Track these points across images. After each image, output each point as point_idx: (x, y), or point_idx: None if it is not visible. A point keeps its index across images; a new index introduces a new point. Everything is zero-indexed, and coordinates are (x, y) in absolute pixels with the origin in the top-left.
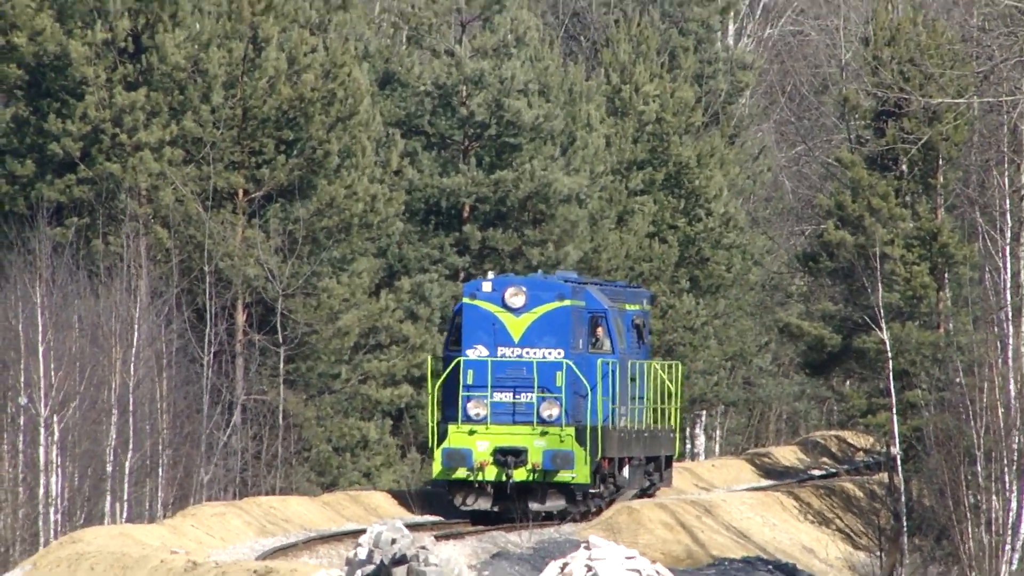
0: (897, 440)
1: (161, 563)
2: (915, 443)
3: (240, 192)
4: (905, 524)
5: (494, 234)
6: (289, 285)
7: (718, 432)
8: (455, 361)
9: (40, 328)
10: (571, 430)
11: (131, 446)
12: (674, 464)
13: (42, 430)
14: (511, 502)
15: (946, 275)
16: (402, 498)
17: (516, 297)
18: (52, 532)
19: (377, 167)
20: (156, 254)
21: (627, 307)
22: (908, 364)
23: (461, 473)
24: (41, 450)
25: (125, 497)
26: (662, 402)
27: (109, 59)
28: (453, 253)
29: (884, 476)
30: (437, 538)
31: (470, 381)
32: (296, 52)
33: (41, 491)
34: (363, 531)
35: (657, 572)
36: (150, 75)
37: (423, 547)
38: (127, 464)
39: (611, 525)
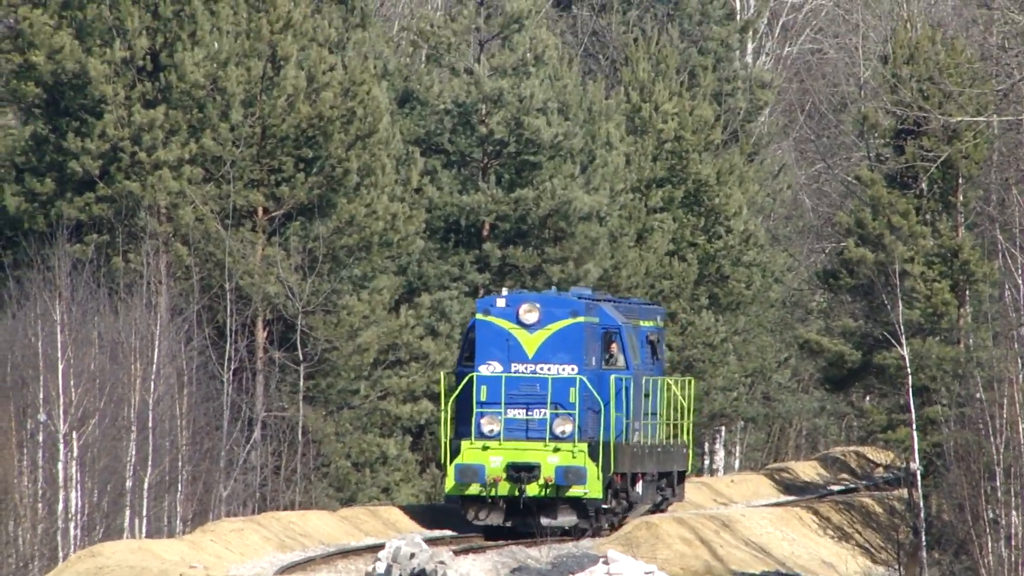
0: (917, 455)
1: None
2: (935, 458)
3: (260, 210)
4: (924, 539)
5: (514, 252)
6: (309, 302)
7: (738, 447)
8: (468, 377)
9: (60, 345)
10: (584, 446)
11: (150, 462)
12: (692, 479)
13: (61, 446)
14: (524, 517)
15: (966, 292)
16: (415, 513)
17: (530, 313)
18: (71, 547)
19: (397, 185)
20: (176, 271)
21: (641, 323)
22: (928, 380)
23: (474, 489)
24: (60, 466)
25: (144, 512)
26: (676, 418)
27: (128, 77)
28: (473, 270)
29: (904, 491)
30: (456, 553)
31: (484, 397)
32: (315, 70)
33: (60, 507)
34: (382, 546)
35: None
36: (169, 93)
37: (442, 562)
38: (146, 480)
39: (630, 540)
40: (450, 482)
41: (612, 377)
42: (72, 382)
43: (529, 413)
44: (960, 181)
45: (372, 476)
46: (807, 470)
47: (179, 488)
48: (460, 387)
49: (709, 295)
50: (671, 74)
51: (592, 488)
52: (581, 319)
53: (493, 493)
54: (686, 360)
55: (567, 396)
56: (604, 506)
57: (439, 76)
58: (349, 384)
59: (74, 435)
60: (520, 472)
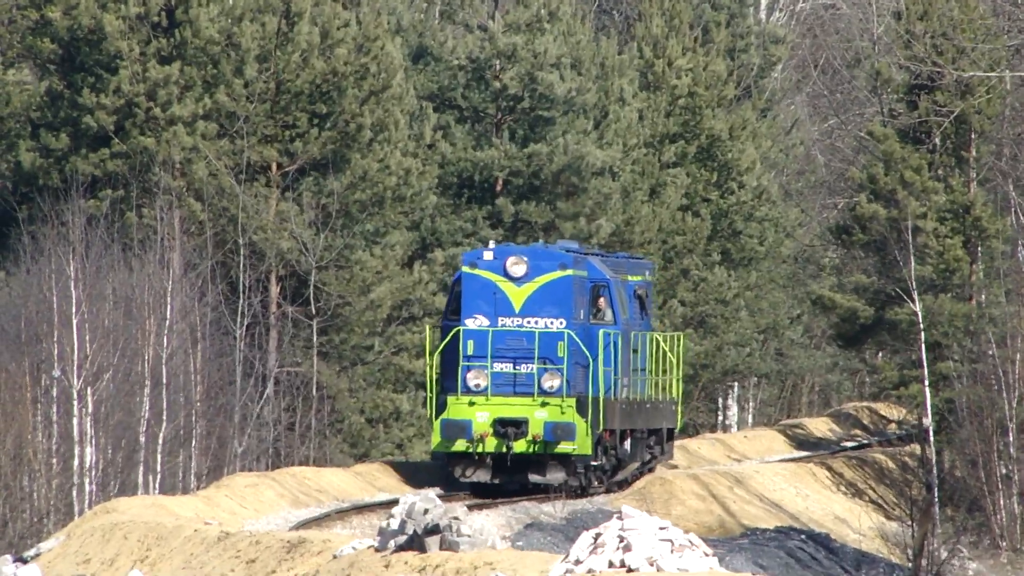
0: (929, 412)
1: (195, 533)
2: (947, 415)
3: (273, 166)
4: (937, 495)
5: (527, 207)
6: (322, 258)
7: (751, 403)
8: (454, 330)
9: (74, 301)
10: (572, 401)
11: (164, 418)
12: (706, 435)
13: (75, 402)
14: (511, 474)
15: (979, 248)
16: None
17: (517, 266)
18: (86, 503)
19: (410, 140)
20: (190, 227)
21: (629, 278)
22: (940, 336)
23: (460, 445)
24: (75, 422)
25: (158, 468)
26: (664, 374)
27: (143, 33)
28: (486, 226)
29: (916, 447)
30: (470, 508)
31: (470, 351)
32: (329, 26)
33: (75, 462)
34: (396, 501)
35: (690, 542)
36: (183, 49)
37: (456, 517)
38: (160, 436)
39: (644, 496)
40: (436, 438)
41: (600, 332)
42: (86, 337)
43: (516, 367)
44: (973, 136)
45: (386, 432)
46: (820, 426)
47: (193, 443)
48: (446, 341)
49: (722, 251)
50: (684, 29)
51: (581, 444)
52: (569, 272)
53: (480, 449)
54: (699, 316)
55: (555, 350)
56: (593, 463)
57: (453, 32)
58: (362, 340)
59: (88, 390)
60: (507, 428)
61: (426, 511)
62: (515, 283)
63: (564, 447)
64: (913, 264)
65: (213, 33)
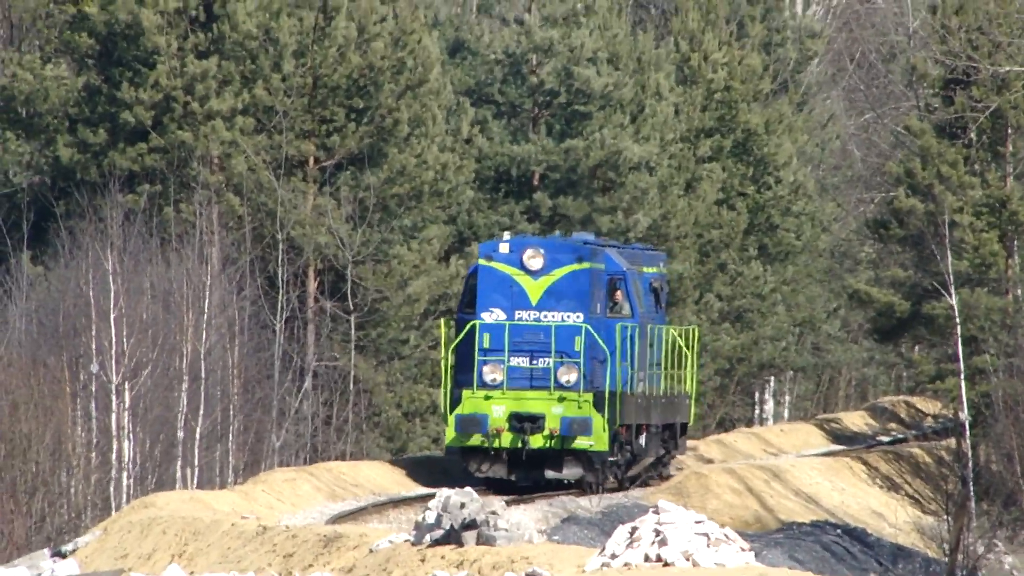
0: (965, 405)
1: (232, 528)
2: (983, 408)
3: (311, 160)
4: (972, 489)
5: (564, 201)
6: (360, 252)
7: (787, 397)
8: (470, 324)
9: (112, 295)
10: (589, 396)
11: (202, 412)
12: (742, 429)
13: (114, 397)
14: (527, 470)
15: (1015, 242)
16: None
17: (534, 259)
18: (124, 497)
19: (447, 135)
20: (228, 221)
21: (644, 270)
22: (977, 330)
23: (476, 440)
24: (113, 416)
25: (196, 463)
26: (679, 368)
27: (181, 28)
28: (523, 220)
29: (952, 441)
30: (507, 503)
31: (486, 345)
32: (366, 20)
33: (113, 457)
34: (432, 495)
35: (726, 536)
36: (221, 44)
37: (493, 512)
38: (198, 430)
39: (680, 490)
40: (450, 433)
41: (618, 325)
42: (124, 332)
43: (533, 362)
44: (1009, 131)
45: (423, 426)
46: (856, 420)
47: (231, 438)
48: (462, 335)
49: (758, 245)
50: (720, 24)
51: (598, 440)
52: (587, 265)
53: (496, 445)
54: (735, 310)
55: (572, 344)
56: (610, 459)
57: (489, 26)
58: (399, 334)
59: (126, 385)
60: (524, 423)
61: (463, 505)
62: (532, 276)
63: (581, 442)
64: (950, 258)
65: (251, 28)
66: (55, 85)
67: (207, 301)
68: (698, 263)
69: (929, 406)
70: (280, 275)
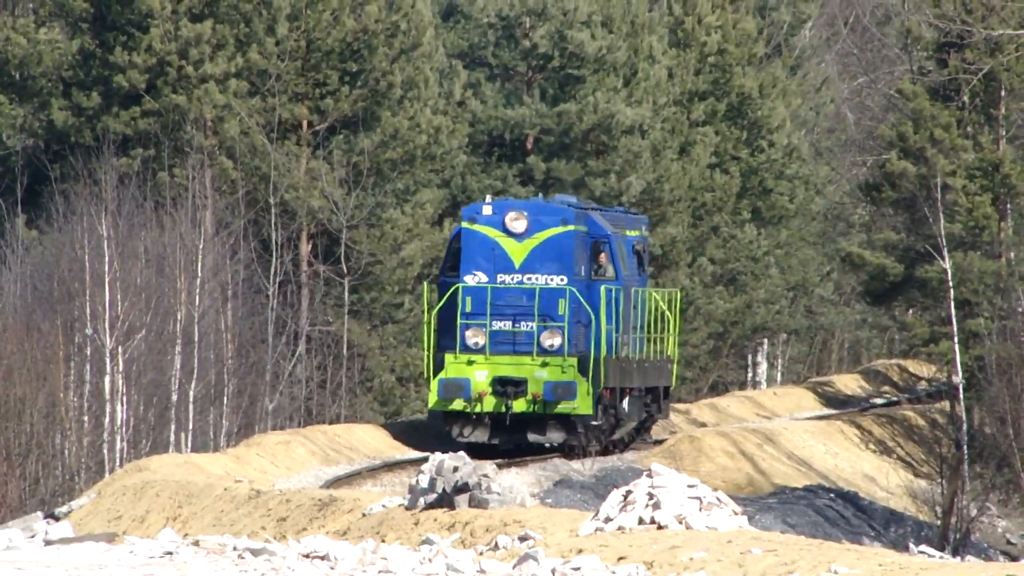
0: (959, 369)
1: (225, 491)
2: (977, 372)
3: (304, 124)
4: (966, 452)
5: (558, 165)
6: (353, 216)
7: (780, 360)
8: (453, 287)
9: (106, 259)
10: (573, 360)
11: (195, 376)
12: (735, 392)
13: (108, 360)
14: (510, 434)
15: (1008, 205)
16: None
17: (518, 222)
18: (117, 460)
19: (440, 99)
20: (221, 185)
21: (628, 232)
22: (970, 293)
23: (458, 404)
24: (107, 380)
25: (190, 426)
26: (661, 331)
27: None
28: (516, 184)
29: (945, 405)
30: (499, 466)
31: (468, 309)
32: None
33: (107, 420)
34: (425, 459)
35: (719, 500)
36: (216, 7)
37: (485, 475)
38: (191, 393)
39: (673, 453)
40: (433, 397)
41: (602, 288)
42: (118, 296)
43: (516, 325)
44: (1002, 94)
45: (416, 390)
46: (849, 383)
47: (224, 402)
48: (444, 299)
49: (751, 208)
50: None
51: (582, 404)
52: (571, 227)
53: (478, 409)
54: (728, 273)
55: (556, 308)
56: (593, 423)
57: None
58: (393, 298)
59: (120, 349)
60: (507, 387)
61: (456, 469)
62: (515, 239)
63: (564, 407)
64: (942, 221)
65: None
66: (49, 49)
67: (201, 265)
68: (691, 226)
69: (922, 369)
70: (274, 239)
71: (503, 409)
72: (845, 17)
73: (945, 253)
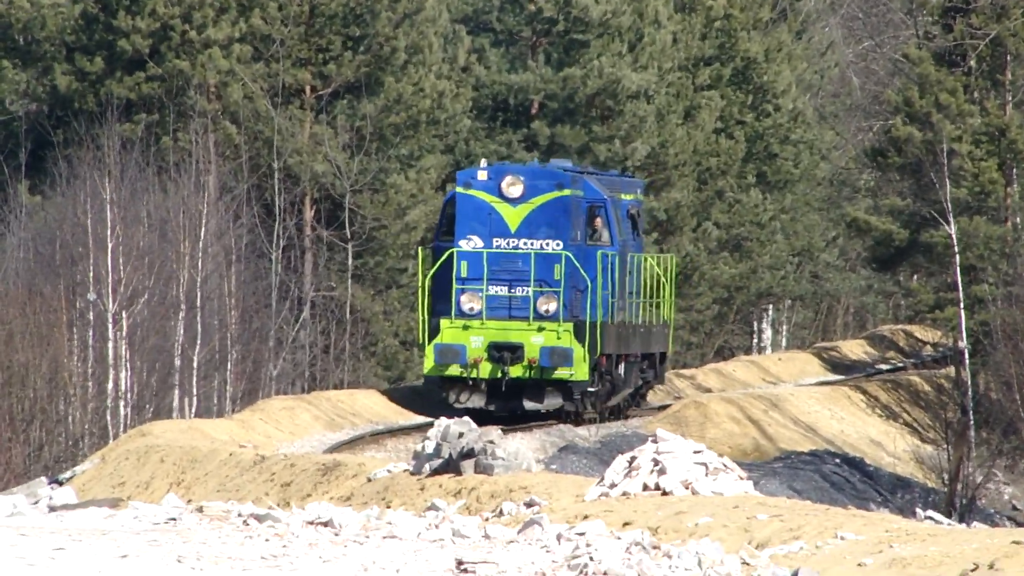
0: (964, 334)
1: (230, 456)
2: (982, 337)
3: (308, 89)
4: (972, 418)
5: (562, 130)
6: (357, 181)
7: (785, 326)
8: (448, 252)
9: (109, 224)
10: (569, 326)
11: (199, 341)
12: (741, 358)
13: (111, 325)
14: (507, 400)
15: (1014, 170)
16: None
17: (513, 186)
18: (121, 426)
19: (444, 64)
20: (225, 150)
21: (622, 196)
22: (976, 259)
23: (454, 370)
24: (110, 345)
25: (194, 392)
26: (657, 296)
27: None
28: (521, 149)
29: (951, 370)
30: (505, 432)
31: (464, 274)
32: None
33: (110, 386)
34: (430, 425)
35: (724, 465)
36: None
37: (491, 441)
38: (195, 359)
39: (678, 419)
40: (428, 362)
41: (599, 253)
42: (121, 261)
43: (512, 291)
44: (1008, 59)
45: (420, 355)
46: (855, 348)
47: (228, 367)
48: (439, 263)
49: (757, 173)
50: None
51: (578, 370)
52: (567, 192)
53: (474, 375)
54: (734, 238)
55: (552, 273)
56: (590, 389)
57: None
58: (397, 263)
59: (123, 314)
60: (503, 352)
61: (461, 434)
62: (511, 204)
63: (561, 373)
64: (948, 187)
65: None
66: (52, 13)
67: (204, 230)
68: (696, 191)
69: (928, 335)
70: (277, 204)
71: (499, 375)
72: None
73: (951, 218)
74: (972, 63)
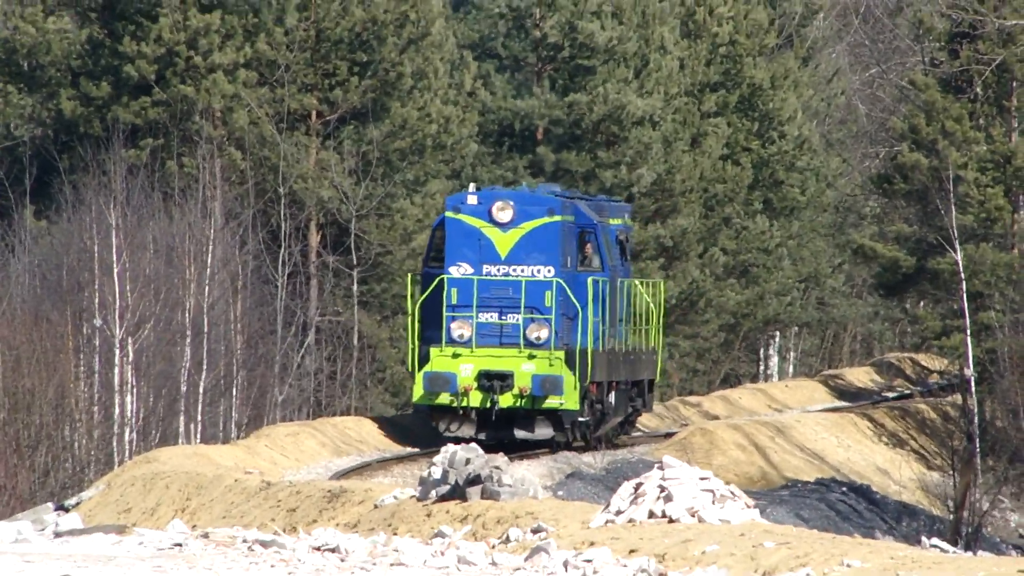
0: (971, 362)
1: (235, 483)
2: (989, 365)
3: (313, 114)
4: (978, 445)
5: (568, 156)
6: (363, 206)
7: (792, 353)
8: (438, 279)
9: (115, 249)
10: (560, 354)
11: (205, 367)
12: (748, 385)
13: (117, 351)
14: (497, 430)
15: (1020, 197)
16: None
17: (504, 211)
18: (127, 452)
19: (450, 89)
20: (230, 176)
21: (611, 221)
22: (982, 285)
23: (444, 398)
24: (116, 371)
25: (199, 417)
26: (646, 323)
27: None
28: (527, 175)
29: (958, 398)
30: (511, 458)
31: (454, 300)
32: None
33: (116, 411)
34: (436, 451)
35: (731, 493)
36: None
37: (497, 467)
38: (201, 385)
39: (685, 446)
40: (418, 391)
41: (589, 279)
42: (127, 286)
43: (502, 318)
44: (1015, 85)
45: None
46: (861, 376)
47: (234, 393)
48: (429, 290)
49: (763, 200)
50: None
51: (569, 399)
52: (557, 218)
53: (464, 403)
54: (740, 264)
55: (542, 300)
56: (580, 418)
57: None
58: (403, 289)
59: (129, 340)
60: (493, 381)
61: (468, 461)
62: (501, 228)
63: (551, 402)
64: (954, 213)
65: None
66: (58, 38)
67: (210, 256)
68: (703, 218)
69: (934, 362)
70: (283, 229)
71: (489, 404)
72: (857, 8)
73: (957, 245)
74: (978, 89)
